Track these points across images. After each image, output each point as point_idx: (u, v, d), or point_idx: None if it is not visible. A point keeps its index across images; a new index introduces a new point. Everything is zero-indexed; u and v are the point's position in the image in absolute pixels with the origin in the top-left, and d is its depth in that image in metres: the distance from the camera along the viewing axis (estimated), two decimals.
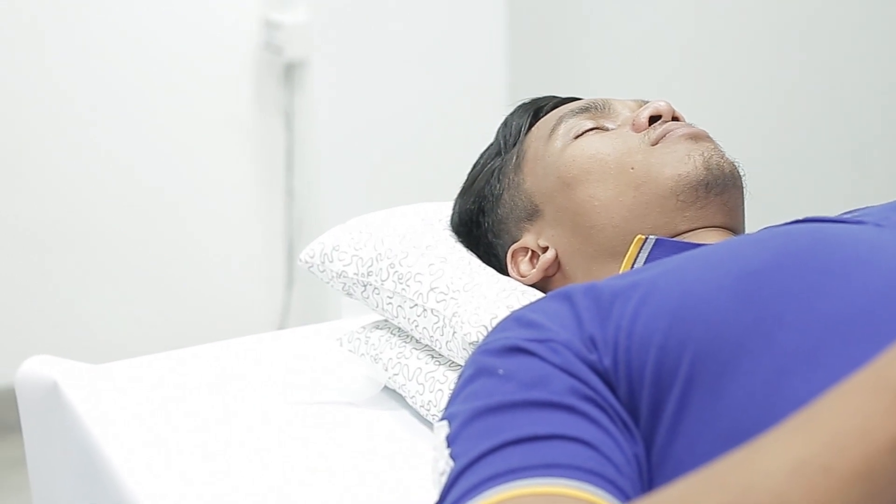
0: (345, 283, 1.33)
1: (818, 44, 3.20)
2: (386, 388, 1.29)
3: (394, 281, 1.27)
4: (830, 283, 0.82)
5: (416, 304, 1.24)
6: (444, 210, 1.38)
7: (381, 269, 1.29)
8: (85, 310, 2.68)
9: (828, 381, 0.73)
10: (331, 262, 1.33)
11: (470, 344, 1.15)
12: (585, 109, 1.25)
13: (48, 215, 2.59)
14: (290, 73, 2.70)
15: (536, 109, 1.32)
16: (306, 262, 1.36)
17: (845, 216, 1.01)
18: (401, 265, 1.27)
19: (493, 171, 1.31)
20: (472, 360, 0.90)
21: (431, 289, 1.23)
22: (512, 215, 1.28)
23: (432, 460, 0.85)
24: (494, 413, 0.82)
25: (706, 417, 0.79)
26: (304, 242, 2.76)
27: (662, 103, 1.21)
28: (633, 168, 1.18)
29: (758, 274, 0.85)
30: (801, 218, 1.02)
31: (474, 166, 1.36)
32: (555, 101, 1.33)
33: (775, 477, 0.64)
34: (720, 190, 1.16)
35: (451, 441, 0.83)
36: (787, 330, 0.79)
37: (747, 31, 3.11)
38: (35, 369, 1.37)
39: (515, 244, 1.27)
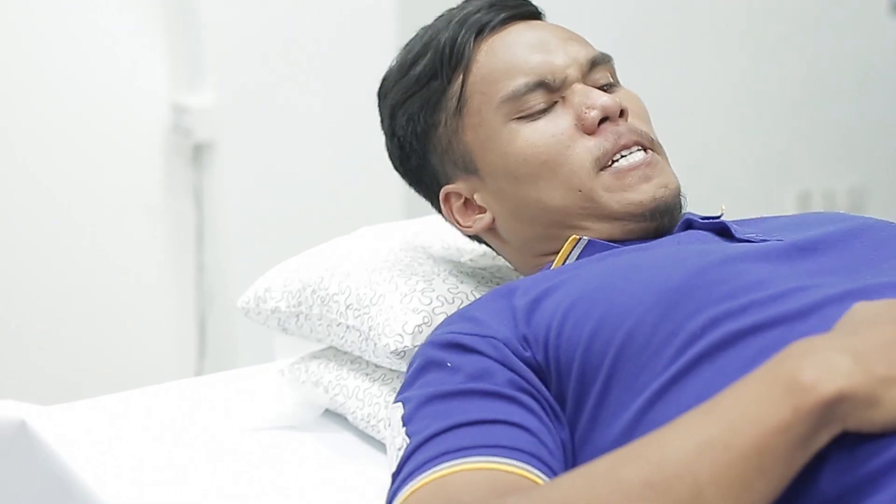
0: (279, 319, 1.52)
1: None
2: (326, 413, 1.51)
3: (319, 306, 1.44)
4: (733, 303, 1.01)
5: (340, 323, 1.41)
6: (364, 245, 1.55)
7: (306, 296, 1.47)
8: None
9: (724, 382, 0.91)
10: (265, 302, 1.53)
11: (392, 352, 1.30)
12: (539, 86, 1.25)
13: None
14: (199, 154, 2.89)
15: (480, 27, 1.29)
16: (243, 308, 1.56)
17: (750, 233, 1.18)
18: (320, 288, 1.45)
19: (429, 98, 1.30)
20: (421, 351, 1.10)
21: (347, 306, 1.40)
22: (446, 155, 1.32)
23: (389, 437, 1.05)
24: (445, 399, 1.02)
25: (620, 410, 1.00)
26: (215, 317, 2.95)
27: (609, 101, 1.24)
28: (580, 191, 1.23)
29: (674, 292, 1.03)
30: (716, 220, 1.20)
31: (403, 65, 1.33)
32: (501, 17, 1.30)
33: (686, 451, 0.83)
34: (662, 219, 1.24)
35: (406, 421, 1.03)
36: (697, 342, 0.98)
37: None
38: (2, 411, 1.57)
39: (449, 186, 1.33)
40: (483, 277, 1.41)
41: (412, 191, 1.41)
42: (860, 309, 0.92)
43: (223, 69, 2.83)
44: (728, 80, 3.53)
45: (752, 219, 1.29)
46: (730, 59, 3.53)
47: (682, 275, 1.05)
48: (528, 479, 0.94)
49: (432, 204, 1.39)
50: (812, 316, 0.98)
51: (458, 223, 1.34)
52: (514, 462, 0.94)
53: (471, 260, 1.49)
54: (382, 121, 1.39)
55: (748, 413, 0.83)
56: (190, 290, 2.99)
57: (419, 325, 1.32)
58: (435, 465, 0.95)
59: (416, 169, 1.36)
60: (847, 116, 3.73)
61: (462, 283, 1.38)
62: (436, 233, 1.56)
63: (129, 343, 2.98)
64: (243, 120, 2.86)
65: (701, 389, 0.94)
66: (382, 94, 1.38)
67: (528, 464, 0.95)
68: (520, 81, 1.26)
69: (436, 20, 1.35)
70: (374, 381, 1.43)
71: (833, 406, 0.82)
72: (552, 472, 0.96)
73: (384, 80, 1.38)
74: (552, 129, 1.24)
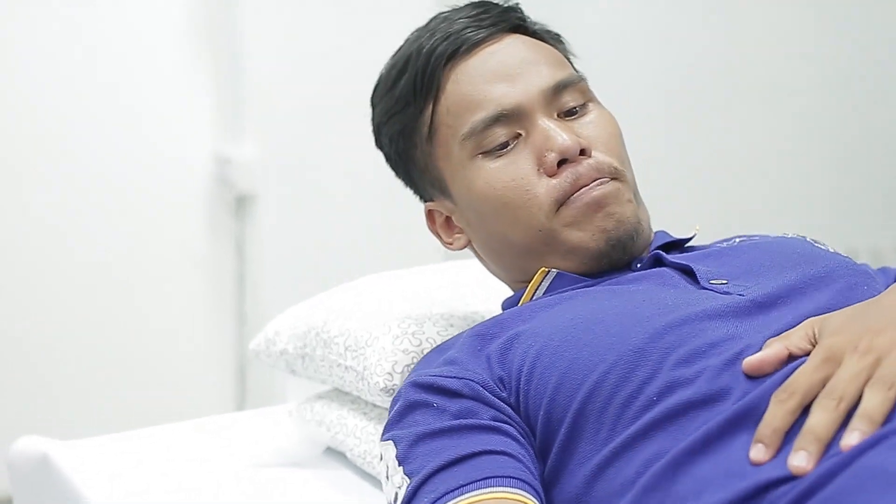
0: (287, 361, 1.61)
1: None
2: (328, 450, 1.59)
3: (321, 347, 1.54)
4: (687, 371, 1.08)
5: (340, 364, 1.50)
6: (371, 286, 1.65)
7: (311, 339, 1.56)
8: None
9: (672, 448, 1.02)
10: (274, 344, 1.62)
11: (381, 390, 1.40)
12: (496, 120, 1.28)
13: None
14: (241, 205, 3.00)
15: (452, 52, 1.32)
16: (254, 350, 1.66)
17: (715, 279, 1.22)
18: (323, 331, 1.54)
19: (406, 123, 1.35)
20: (404, 390, 1.20)
21: (346, 348, 1.49)
22: (424, 176, 1.38)
23: (383, 473, 1.15)
24: (436, 437, 1.13)
25: (584, 460, 1.10)
26: (255, 366, 3.03)
27: (568, 141, 1.26)
28: (539, 230, 1.27)
29: (634, 353, 1.10)
30: (684, 263, 1.25)
31: (388, 77, 1.37)
32: (476, 38, 1.31)
33: None
34: (616, 253, 1.28)
35: (402, 460, 1.13)
36: (653, 407, 1.07)
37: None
38: (27, 446, 1.67)
39: (430, 204, 1.40)
40: (475, 321, 1.48)
41: None
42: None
43: (266, 122, 2.93)
44: (775, 135, 3.57)
45: (723, 248, 1.34)
46: (776, 115, 3.56)
47: (643, 336, 1.11)
48: (521, 500, 1.06)
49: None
50: (755, 387, 1.04)
51: (441, 238, 1.41)
52: (506, 488, 1.07)
53: (466, 304, 1.56)
54: (373, 131, 1.44)
55: None
56: (230, 340, 3.08)
57: (408, 365, 1.42)
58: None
59: (406, 181, 1.44)
60: (894, 173, 3.74)
61: (452, 325, 1.45)
62: (440, 279, 1.64)
63: (170, 390, 3.05)
64: (286, 172, 2.96)
65: (651, 455, 1.04)
66: (373, 104, 1.42)
67: (519, 487, 1.08)
68: (478, 117, 1.29)
69: (425, 25, 1.37)
70: (371, 419, 1.51)
71: None
72: (536, 494, 1.09)
73: (376, 86, 1.41)
74: (512, 173, 1.28)
